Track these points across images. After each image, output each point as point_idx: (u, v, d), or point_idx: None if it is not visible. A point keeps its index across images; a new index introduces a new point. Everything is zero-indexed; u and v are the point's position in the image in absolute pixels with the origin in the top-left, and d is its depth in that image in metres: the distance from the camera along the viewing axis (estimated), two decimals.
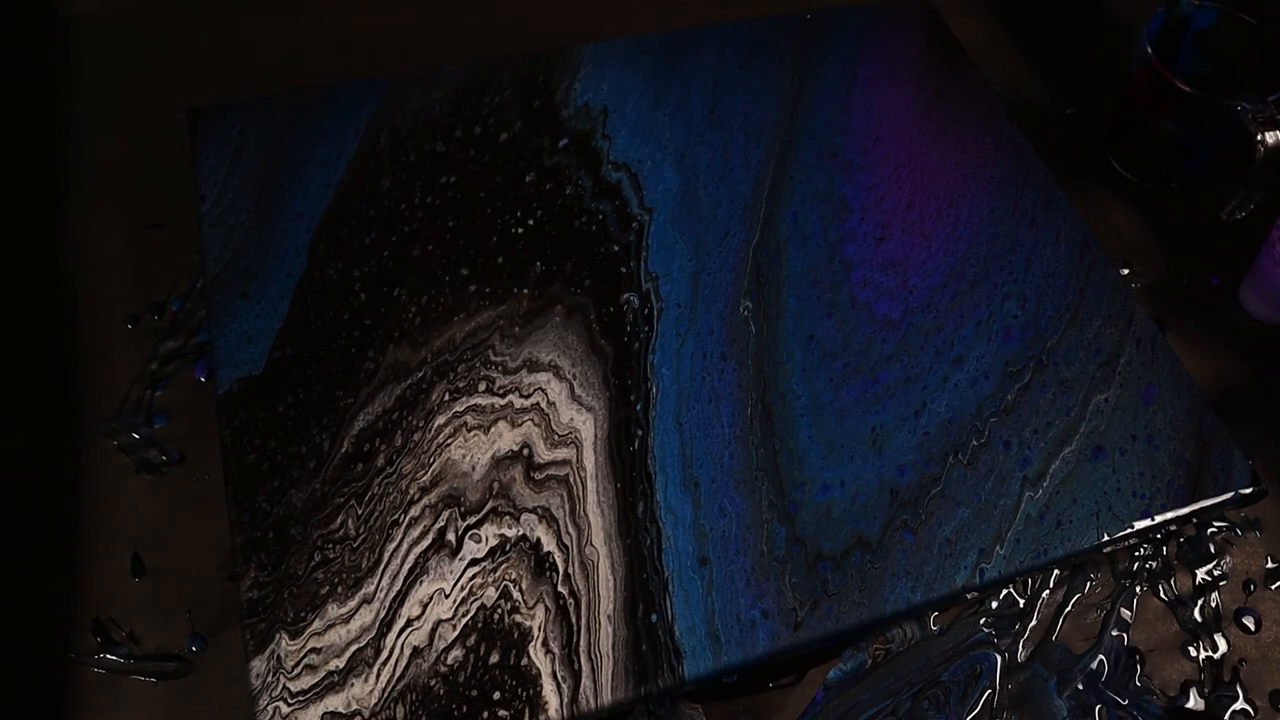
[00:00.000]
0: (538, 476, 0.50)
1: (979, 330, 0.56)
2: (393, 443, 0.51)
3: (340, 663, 0.45)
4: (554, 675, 0.45)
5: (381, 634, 0.46)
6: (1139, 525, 0.51)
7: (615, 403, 0.53)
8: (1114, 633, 0.52)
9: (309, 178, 0.59)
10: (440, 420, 0.52)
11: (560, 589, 0.47)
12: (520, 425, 0.52)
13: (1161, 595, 0.54)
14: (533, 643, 0.46)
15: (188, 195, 0.60)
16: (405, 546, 0.48)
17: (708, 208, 0.60)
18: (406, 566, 0.48)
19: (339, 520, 0.48)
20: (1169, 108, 0.61)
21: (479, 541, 0.48)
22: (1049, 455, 0.52)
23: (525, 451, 0.51)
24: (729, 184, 0.61)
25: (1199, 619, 0.53)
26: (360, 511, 0.49)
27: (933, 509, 0.51)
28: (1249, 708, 0.51)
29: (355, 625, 0.46)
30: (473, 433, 0.51)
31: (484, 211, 0.59)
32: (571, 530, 0.49)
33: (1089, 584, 0.54)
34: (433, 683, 0.45)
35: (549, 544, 0.48)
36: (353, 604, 0.46)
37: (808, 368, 0.54)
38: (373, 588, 0.47)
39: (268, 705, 0.44)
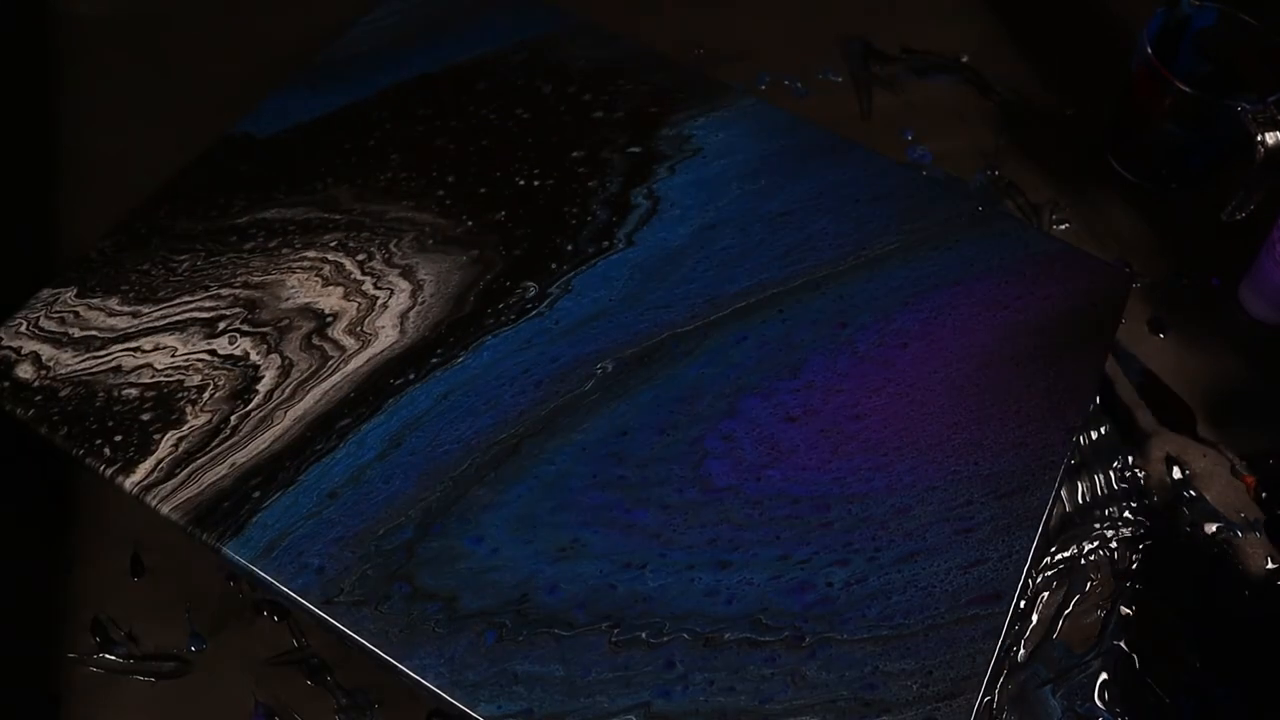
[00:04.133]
0: (315, 341, 0.52)
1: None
2: (268, 242, 0.55)
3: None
4: None
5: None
6: None
7: (419, 347, 0.53)
8: (1114, 633, 0.52)
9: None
10: (310, 252, 0.55)
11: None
12: (348, 300, 0.54)
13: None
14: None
15: None
16: (185, 310, 0.53)
17: (677, 277, 0.57)
18: (173, 318, 0.53)
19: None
20: (1169, 108, 0.61)
21: (232, 343, 0.52)
22: None
23: (328, 320, 0.53)
24: (717, 273, 0.57)
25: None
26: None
27: None
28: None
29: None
30: (316, 277, 0.54)
31: (504, 157, 0.59)
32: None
33: (1089, 584, 0.54)
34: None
35: (269, 383, 0.51)
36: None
37: (601, 476, 0.51)
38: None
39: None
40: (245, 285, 0.54)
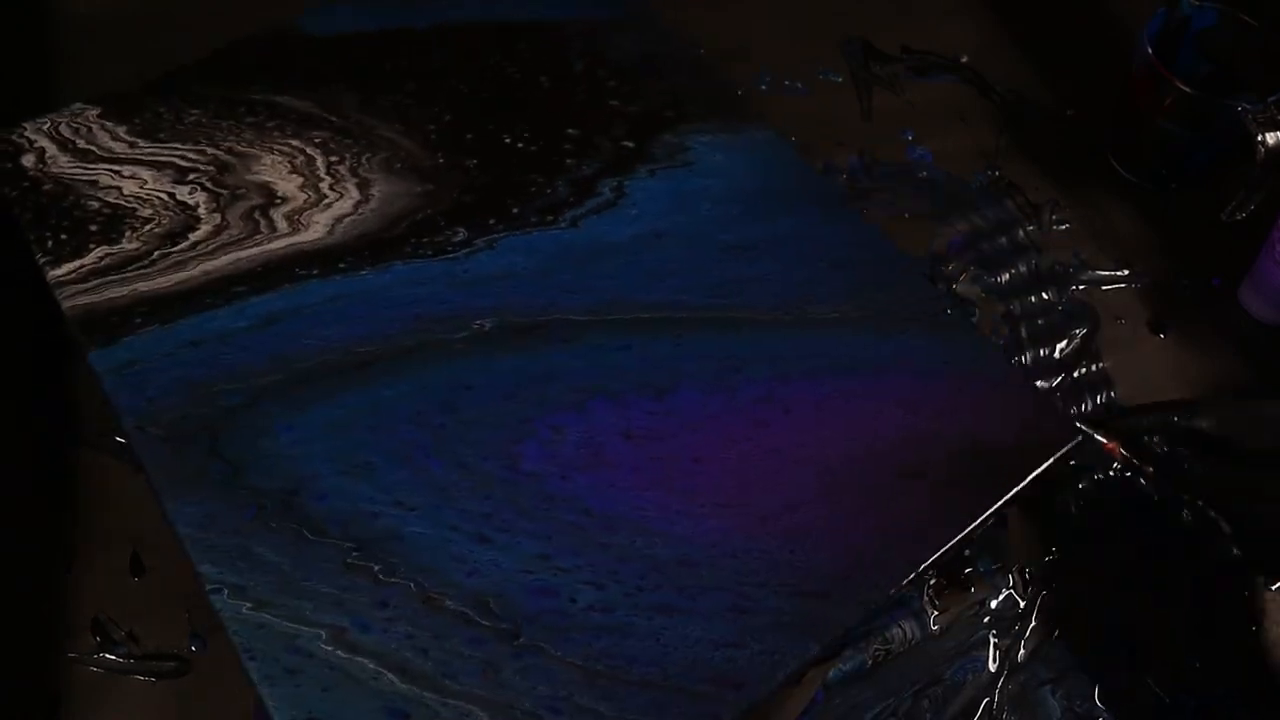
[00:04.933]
0: (256, 215, 0.57)
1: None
2: (266, 122, 0.61)
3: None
4: None
5: None
6: None
7: (335, 250, 0.56)
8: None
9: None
10: (295, 141, 0.60)
11: None
12: (302, 191, 0.58)
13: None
14: None
15: None
16: (171, 154, 0.59)
17: (597, 270, 0.56)
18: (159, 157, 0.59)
19: None
20: (1169, 108, 0.61)
21: (191, 193, 0.58)
22: None
23: (276, 201, 0.58)
24: (638, 280, 0.56)
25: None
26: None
27: None
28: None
29: None
30: (287, 163, 0.59)
31: (506, 113, 0.62)
32: None
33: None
34: None
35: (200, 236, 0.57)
36: None
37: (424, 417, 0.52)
38: None
39: None
40: (229, 151, 0.60)
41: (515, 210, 0.58)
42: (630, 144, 0.61)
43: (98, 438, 0.54)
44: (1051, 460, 0.51)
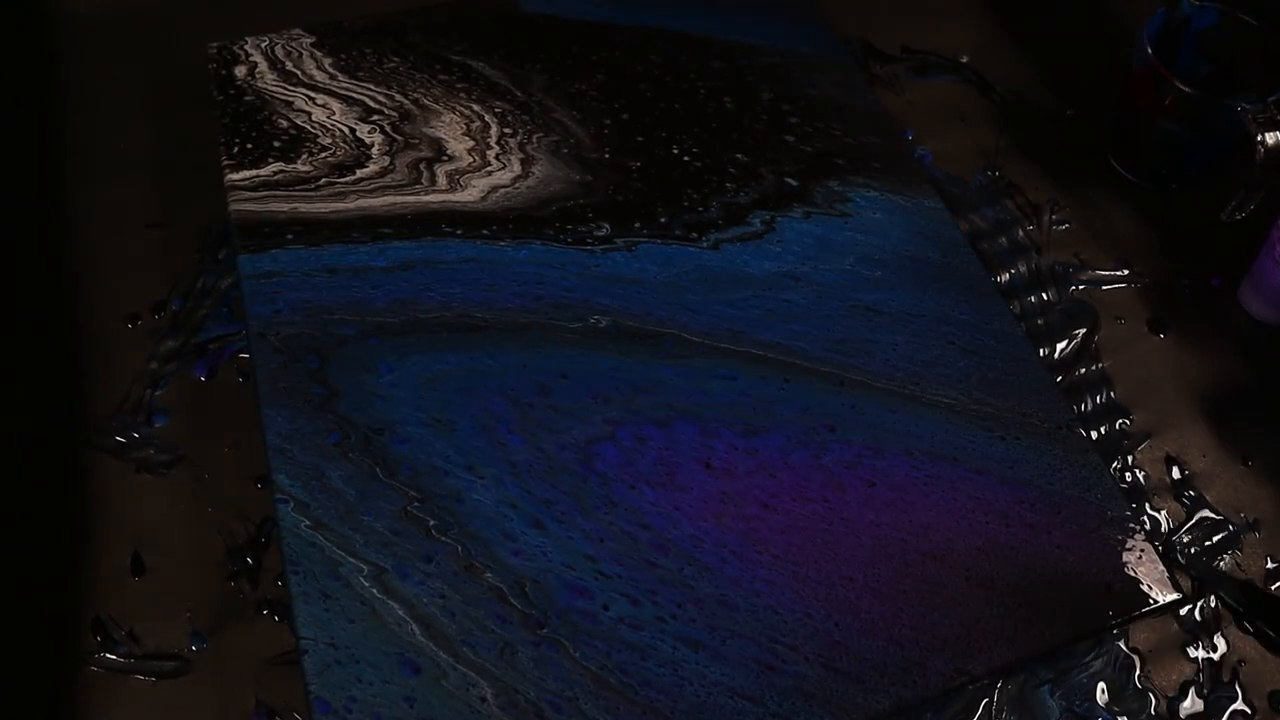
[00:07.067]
0: (421, 166, 0.60)
1: None
2: (457, 82, 0.64)
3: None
4: None
5: None
6: None
7: (482, 215, 0.58)
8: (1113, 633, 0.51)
9: None
10: (477, 106, 0.63)
11: None
12: (470, 154, 0.60)
13: None
14: None
15: (188, 194, 0.61)
16: (364, 93, 0.62)
17: (724, 297, 0.56)
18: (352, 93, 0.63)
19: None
20: (1169, 108, 0.61)
21: (370, 133, 0.61)
22: None
23: (444, 158, 0.60)
24: (762, 316, 0.55)
25: (1198, 619, 0.51)
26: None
27: None
28: (1247, 708, 0.49)
29: None
30: (464, 124, 0.61)
31: (680, 125, 0.63)
32: None
33: None
34: None
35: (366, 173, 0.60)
36: None
37: (516, 394, 0.52)
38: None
39: None
40: (415, 101, 0.63)
41: (663, 220, 0.59)
42: (794, 182, 0.61)
43: (98, 438, 0.54)
44: (1137, 616, 0.48)
